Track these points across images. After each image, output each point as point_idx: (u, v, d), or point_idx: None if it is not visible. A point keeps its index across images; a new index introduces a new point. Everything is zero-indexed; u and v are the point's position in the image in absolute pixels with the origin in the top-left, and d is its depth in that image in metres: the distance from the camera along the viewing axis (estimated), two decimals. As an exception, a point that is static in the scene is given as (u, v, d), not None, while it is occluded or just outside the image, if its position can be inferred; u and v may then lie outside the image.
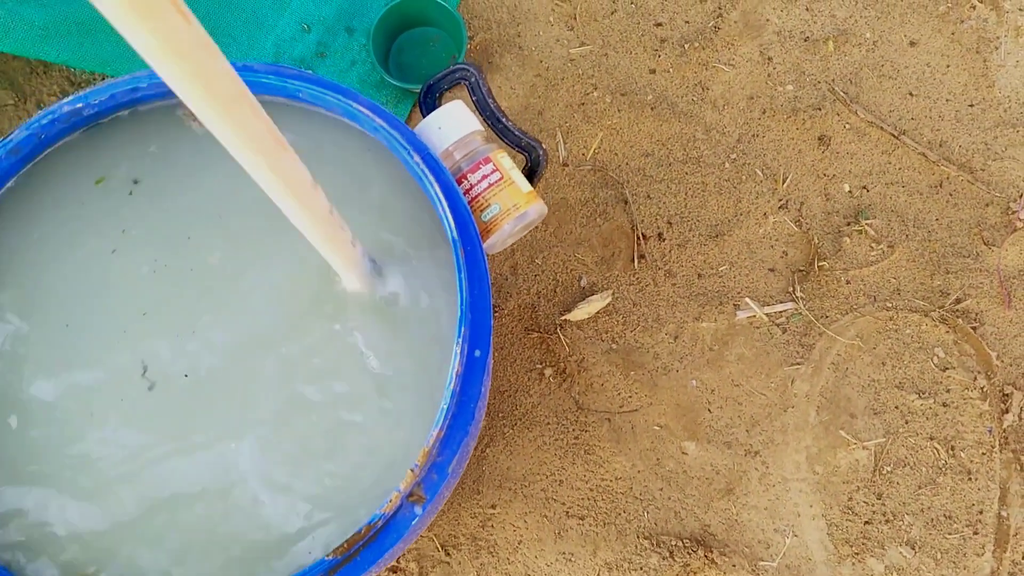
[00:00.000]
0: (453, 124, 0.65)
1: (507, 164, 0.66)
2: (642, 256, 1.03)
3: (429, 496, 0.58)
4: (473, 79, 0.68)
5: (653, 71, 1.09)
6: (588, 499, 0.97)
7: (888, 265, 1.03)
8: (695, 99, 1.08)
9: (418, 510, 0.58)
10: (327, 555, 0.54)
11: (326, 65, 1.06)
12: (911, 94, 1.09)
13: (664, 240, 1.04)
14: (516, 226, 0.66)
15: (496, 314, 1.02)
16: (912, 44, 1.10)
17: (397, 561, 0.94)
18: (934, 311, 1.01)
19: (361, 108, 0.60)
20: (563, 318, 1.02)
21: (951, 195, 1.05)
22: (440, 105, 0.68)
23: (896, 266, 1.03)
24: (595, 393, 1.00)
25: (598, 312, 1.02)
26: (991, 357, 0.99)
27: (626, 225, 1.04)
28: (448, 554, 0.95)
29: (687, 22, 1.10)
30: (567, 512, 0.97)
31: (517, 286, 1.03)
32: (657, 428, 0.99)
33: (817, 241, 1.03)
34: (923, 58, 1.10)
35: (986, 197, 1.05)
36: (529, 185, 0.66)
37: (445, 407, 0.57)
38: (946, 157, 1.06)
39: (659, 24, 1.10)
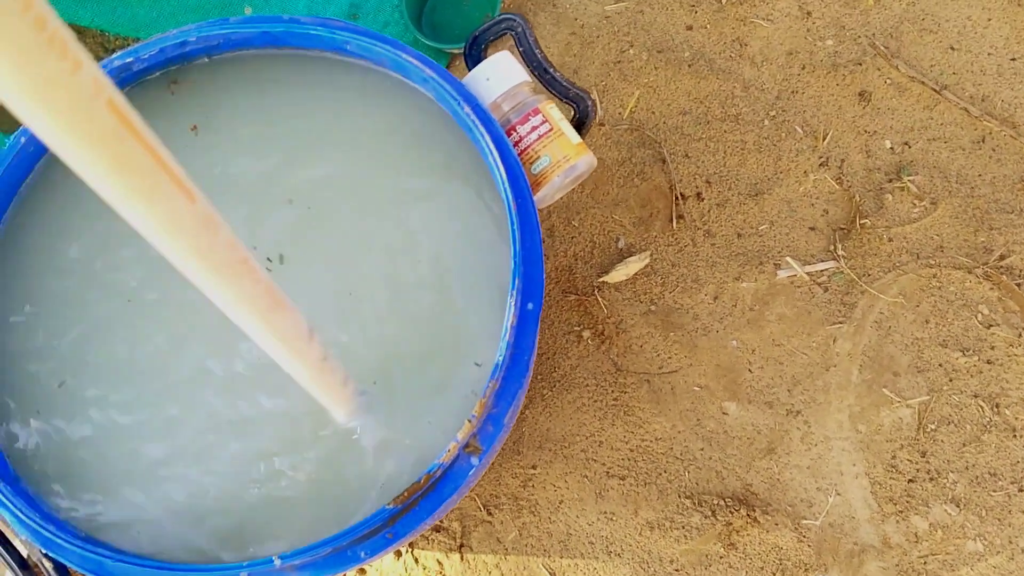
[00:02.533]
0: (501, 75, 0.64)
1: (556, 115, 0.65)
2: (680, 216, 1.02)
3: (485, 447, 0.58)
4: (519, 29, 0.67)
5: (690, 27, 1.07)
6: (628, 459, 0.97)
7: (931, 222, 1.01)
8: (733, 55, 1.07)
9: (475, 461, 0.58)
10: (387, 504, 0.54)
11: (359, 27, 1.05)
12: (952, 48, 1.07)
13: (703, 200, 1.03)
14: (566, 178, 0.65)
15: (533, 276, 1.02)
16: (953, -3, 1.08)
17: (441, 520, 0.95)
18: (978, 268, 1.00)
19: (411, 59, 0.60)
20: (601, 280, 1.01)
21: (994, 150, 1.03)
22: (486, 57, 0.67)
23: (939, 223, 1.01)
24: (634, 355, 1.00)
25: (636, 273, 1.01)
26: (1036, 314, 0.98)
27: (664, 185, 1.03)
28: (490, 513, 0.95)
29: (724, -22, 1.09)
30: (607, 472, 0.97)
31: (554, 248, 1.03)
32: (697, 389, 0.98)
33: (858, 199, 1.02)
34: (964, 11, 1.08)
35: (1031, 152, 1.03)
36: (578, 136, 0.66)
37: (500, 359, 0.57)
38: (988, 112, 1.04)
39: (695, -20, 1.09)
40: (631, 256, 1.02)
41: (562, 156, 0.64)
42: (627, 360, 1.00)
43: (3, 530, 0.63)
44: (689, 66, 1.06)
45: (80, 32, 1.05)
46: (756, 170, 1.03)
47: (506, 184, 0.58)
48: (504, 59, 0.65)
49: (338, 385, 0.55)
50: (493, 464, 0.97)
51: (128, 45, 1.05)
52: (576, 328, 1.01)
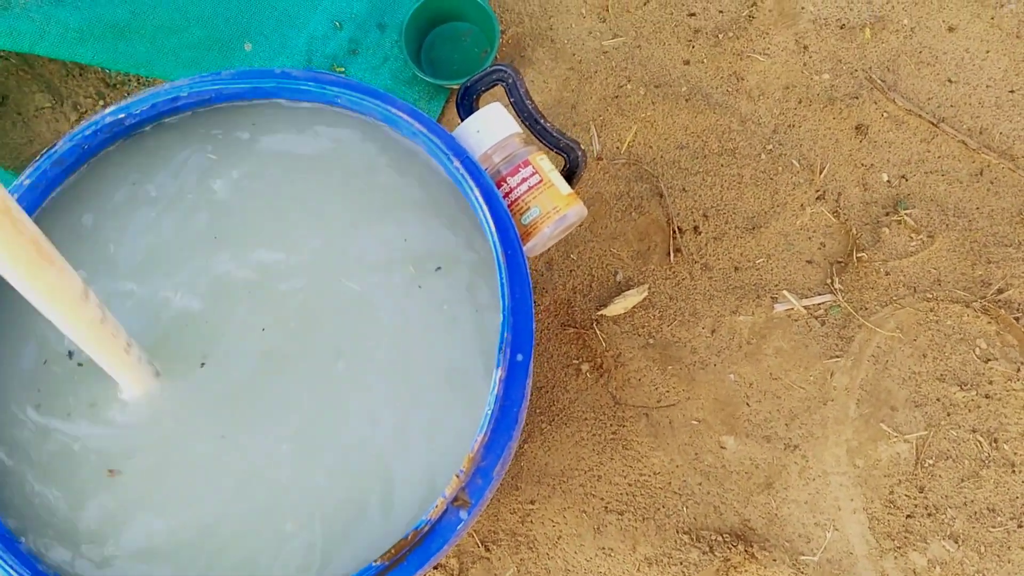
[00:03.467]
0: (491, 127, 0.65)
1: (546, 166, 0.65)
2: (678, 250, 1.03)
3: (474, 501, 0.58)
4: (511, 80, 0.67)
5: (687, 62, 1.08)
6: (627, 494, 0.97)
7: (928, 255, 1.01)
8: (730, 90, 1.07)
9: (463, 515, 0.58)
10: (374, 561, 0.54)
11: (358, 62, 1.06)
12: (950, 81, 1.07)
13: (700, 233, 1.03)
14: (556, 229, 0.65)
15: (531, 309, 1.02)
16: (951, 30, 1.08)
17: (437, 557, 0.95)
18: (976, 301, 1.00)
19: (400, 113, 0.60)
20: (599, 313, 1.02)
21: (992, 183, 1.03)
22: (477, 106, 0.68)
23: (936, 256, 1.01)
24: (632, 388, 1.00)
25: (634, 307, 1.02)
26: (1035, 348, 0.98)
27: (661, 219, 1.04)
28: (488, 550, 0.96)
29: (721, 12, 1.09)
30: (606, 507, 0.97)
31: (553, 282, 1.03)
32: (695, 422, 0.99)
33: (855, 232, 1.02)
34: (962, 44, 1.08)
35: (1029, 185, 1.03)
36: (568, 187, 0.66)
37: (489, 412, 0.57)
38: (986, 144, 1.04)
39: (692, 14, 1.09)
40: (629, 289, 1.02)
41: (552, 207, 0.64)
42: (625, 393, 1.00)
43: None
44: (686, 101, 1.06)
45: (82, 69, 1.06)
46: (753, 204, 1.04)
47: (495, 236, 0.59)
48: (495, 111, 0.65)
49: (120, 350, 0.53)
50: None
51: (130, 81, 1.06)
52: (575, 361, 1.01)
